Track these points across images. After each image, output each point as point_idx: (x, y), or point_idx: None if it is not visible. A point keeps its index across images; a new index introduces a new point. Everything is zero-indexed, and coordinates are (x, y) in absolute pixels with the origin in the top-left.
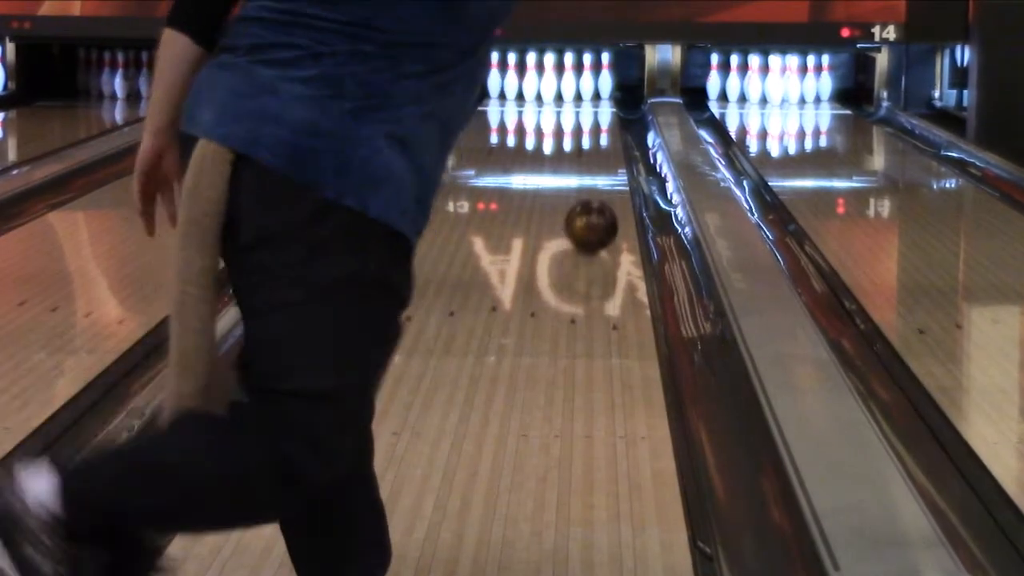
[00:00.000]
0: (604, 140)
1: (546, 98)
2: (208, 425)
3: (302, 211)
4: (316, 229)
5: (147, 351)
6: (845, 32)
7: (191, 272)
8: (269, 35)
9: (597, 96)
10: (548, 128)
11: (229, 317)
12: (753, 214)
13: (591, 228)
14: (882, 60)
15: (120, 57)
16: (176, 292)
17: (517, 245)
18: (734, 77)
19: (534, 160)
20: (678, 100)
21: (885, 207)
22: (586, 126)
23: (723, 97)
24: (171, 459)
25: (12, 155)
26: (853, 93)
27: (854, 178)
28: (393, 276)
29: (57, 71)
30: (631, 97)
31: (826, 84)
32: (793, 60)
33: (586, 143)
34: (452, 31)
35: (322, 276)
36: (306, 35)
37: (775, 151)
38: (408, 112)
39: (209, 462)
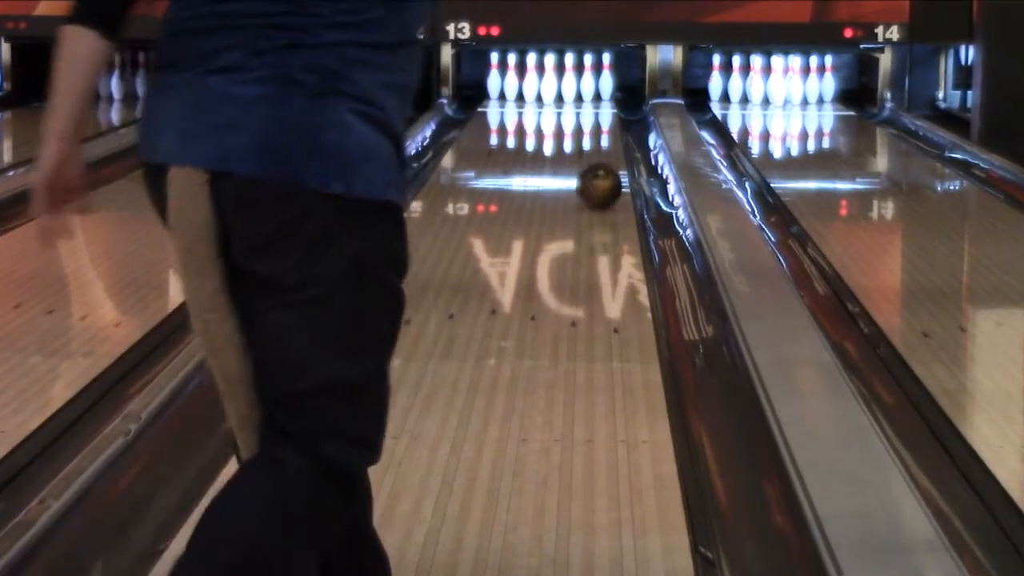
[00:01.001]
0: (605, 141)
1: (546, 99)
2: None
3: (292, 210)
4: (310, 223)
5: (144, 354)
6: (848, 32)
7: (204, 297)
8: (208, 44)
9: (598, 97)
10: (548, 129)
11: None
12: (755, 216)
13: (601, 189)
14: (885, 61)
15: (116, 57)
16: (198, 323)
17: (517, 247)
18: (736, 78)
19: (534, 161)
20: (680, 101)
21: (888, 209)
22: (587, 127)
23: (725, 98)
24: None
25: (7, 156)
26: (856, 94)
27: (857, 180)
28: (392, 246)
29: (53, 72)
30: (632, 98)
31: (829, 85)
32: (796, 61)
33: (587, 144)
34: (389, 5)
35: (327, 269)
36: (244, 35)
37: (777, 152)
38: (367, 86)
39: (265, 517)
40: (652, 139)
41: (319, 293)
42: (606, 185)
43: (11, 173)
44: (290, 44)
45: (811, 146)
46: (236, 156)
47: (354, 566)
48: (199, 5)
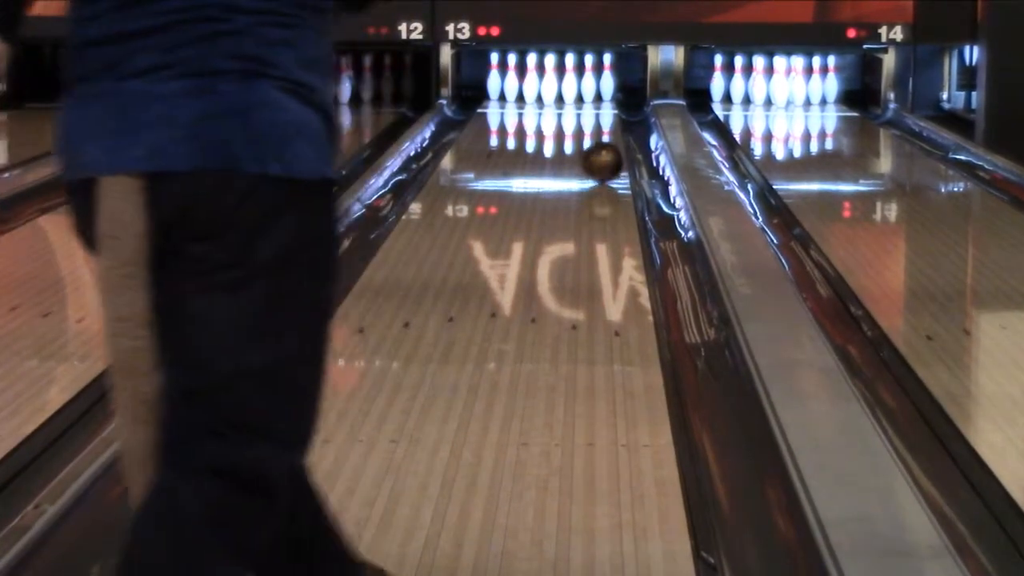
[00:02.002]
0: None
1: (547, 100)
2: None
3: (232, 196)
4: (250, 208)
5: None
6: (851, 33)
7: (137, 312)
8: (119, 50)
9: (599, 98)
10: (549, 131)
11: None
12: (757, 218)
13: (604, 164)
14: (889, 61)
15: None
16: (126, 341)
17: (517, 249)
18: (738, 78)
19: (535, 163)
20: (681, 102)
21: (892, 211)
22: (587, 128)
23: (727, 99)
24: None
25: (3, 158)
26: (859, 95)
27: (860, 181)
28: (327, 222)
29: (48, 72)
30: (633, 99)
31: (832, 86)
32: (798, 61)
33: (587, 146)
34: None
35: (264, 250)
36: (156, 35)
37: (780, 154)
38: (290, 65)
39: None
40: (653, 140)
41: (250, 274)
42: (608, 159)
43: (6, 175)
44: (205, 35)
45: (814, 147)
46: (170, 153)
47: (300, 570)
48: (105, 13)
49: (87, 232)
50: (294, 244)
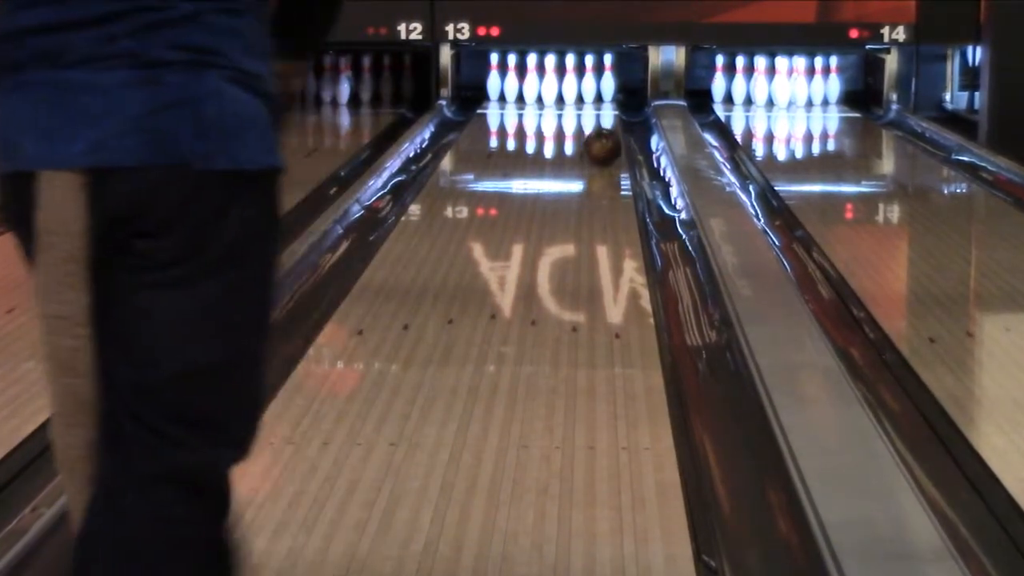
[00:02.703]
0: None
1: (547, 101)
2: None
3: (181, 192)
4: (200, 203)
5: None
6: (853, 33)
7: (76, 311)
8: (57, 37)
9: (599, 99)
10: (549, 131)
11: None
12: (759, 219)
13: (605, 150)
14: (891, 62)
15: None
16: (67, 340)
17: (517, 251)
18: (740, 79)
19: (535, 164)
20: (682, 103)
21: (894, 212)
22: (588, 129)
23: (728, 99)
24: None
25: None
26: (862, 95)
27: (863, 183)
28: (274, 213)
29: None
30: (634, 100)
31: (834, 86)
32: (800, 62)
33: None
34: None
35: (213, 245)
36: (96, 24)
37: (781, 155)
38: (234, 53)
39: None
40: (654, 141)
41: (199, 270)
42: (607, 145)
43: None
44: (149, 24)
45: (815, 148)
46: (114, 147)
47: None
48: (44, 1)
49: (22, 229)
50: (243, 238)
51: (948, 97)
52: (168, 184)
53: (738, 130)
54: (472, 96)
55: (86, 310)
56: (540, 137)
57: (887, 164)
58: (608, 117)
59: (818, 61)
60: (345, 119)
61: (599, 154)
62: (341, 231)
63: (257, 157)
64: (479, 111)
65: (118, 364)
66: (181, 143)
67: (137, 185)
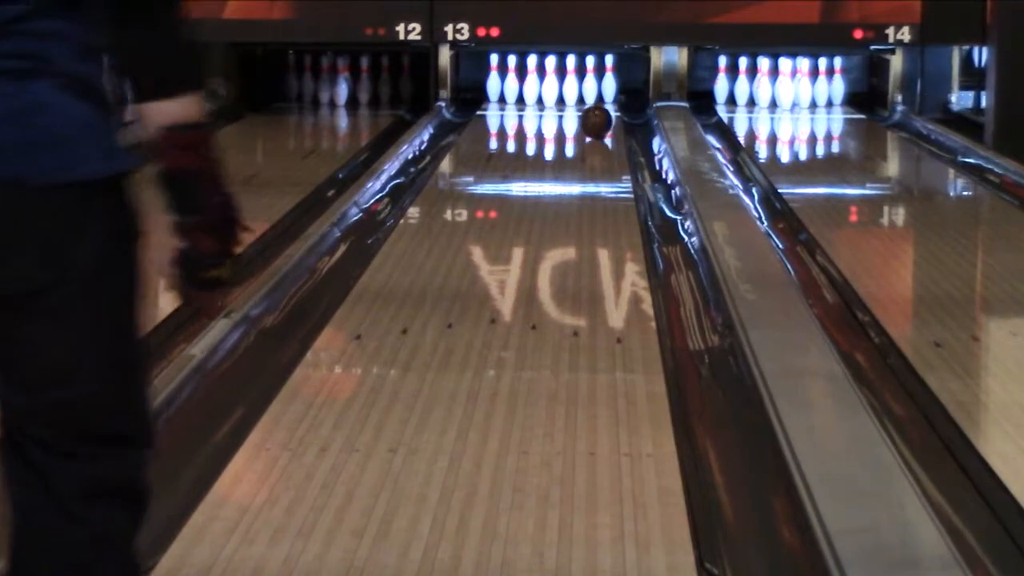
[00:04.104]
0: (608, 145)
1: (547, 102)
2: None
3: (20, 212)
4: (45, 222)
5: None
6: (858, 33)
7: None
8: None
9: (600, 100)
10: (549, 133)
11: (217, 330)
12: (762, 222)
13: (600, 122)
14: (896, 62)
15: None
16: None
17: (517, 255)
18: (743, 80)
19: (535, 166)
20: (684, 104)
21: (900, 215)
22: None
23: (731, 101)
24: None
25: None
26: (866, 97)
27: (867, 185)
28: (125, 217)
29: None
30: (636, 101)
31: (838, 87)
32: (804, 63)
33: (588, 148)
34: None
35: (74, 264)
36: None
37: (785, 157)
38: (64, 58)
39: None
40: (656, 143)
41: (70, 291)
42: (599, 119)
43: None
44: None
45: (820, 150)
46: None
47: None
48: None
49: None
50: (105, 248)
51: (954, 98)
52: (5, 204)
53: (741, 132)
54: (471, 97)
55: None
56: (540, 139)
57: (892, 166)
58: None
59: (822, 62)
60: (343, 121)
61: (592, 127)
62: (339, 234)
63: (96, 167)
64: (478, 113)
65: (12, 395)
66: (16, 158)
67: None
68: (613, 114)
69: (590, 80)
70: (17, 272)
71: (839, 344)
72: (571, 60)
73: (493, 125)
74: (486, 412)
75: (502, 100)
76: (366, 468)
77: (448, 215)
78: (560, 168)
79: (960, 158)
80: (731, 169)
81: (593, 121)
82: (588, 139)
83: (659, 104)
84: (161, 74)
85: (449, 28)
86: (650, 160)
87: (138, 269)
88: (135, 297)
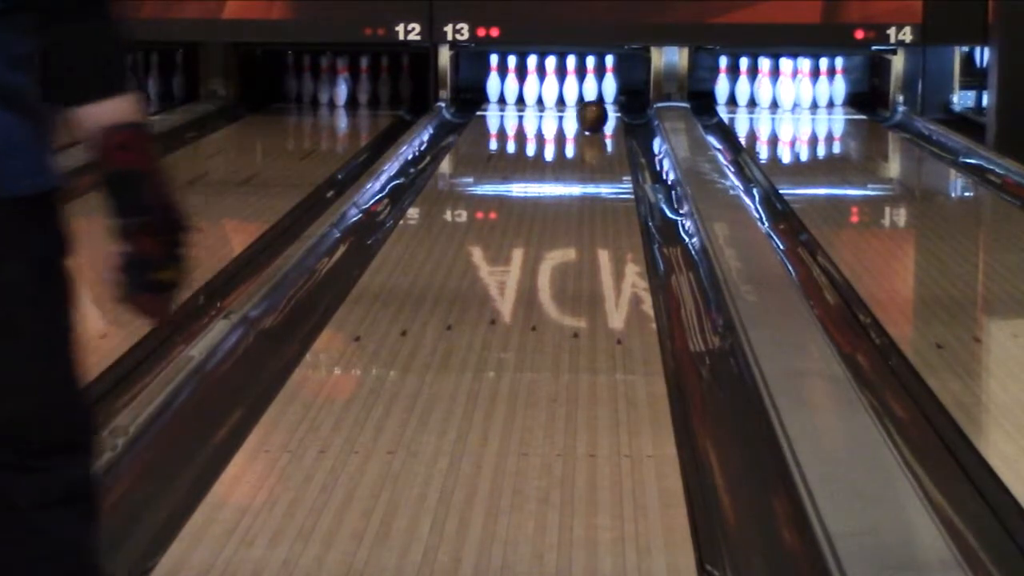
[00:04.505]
0: (608, 146)
1: (548, 103)
2: None
3: None
4: None
5: (131, 367)
6: (859, 34)
7: None
8: None
9: (601, 100)
10: (550, 134)
11: (216, 331)
12: (763, 223)
13: (596, 116)
14: (898, 63)
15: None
16: None
17: (517, 256)
18: (743, 81)
19: (535, 167)
20: (685, 105)
21: (901, 216)
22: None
23: (732, 101)
24: None
25: None
26: (867, 97)
27: (869, 186)
28: (58, 230)
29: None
30: (636, 102)
31: (839, 88)
32: (805, 63)
33: (589, 149)
34: None
35: (4, 284)
36: None
37: (786, 158)
38: None
39: None
40: (657, 144)
41: (3, 315)
42: (594, 114)
43: None
44: None
45: (821, 151)
46: None
47: None
48: None
49: None
50: (37, 266)
51: (955, 99)
52: None
53: (742, 132)
54: (471, 98)
55: None
56: (540, 140)
57: (893, 167)
58: (609, 119)
59: (823, 62)
60: (342, 121)
61: (588, 121)
62: (338, 235)
63: (24, 183)
64: (478, 113)
65: None
66: None
67: None
68: (614, 115)
69: (590, 81)
70: None
71: (840, 345)
72: (571, 60)
73: (493, 126)
74: (486, 413)
75: (502, 100)
76: (365, 470)
77: (448, 216)
78: (560, 169)
79: (961, 159)
80: (732, 170)
81: (588, 116)
82: (587, 132)
83: (660, 105)
84: (97, 75)
85: (449, 28)
86: (651, 161)
87: (70, 284)
88: (68, 311)
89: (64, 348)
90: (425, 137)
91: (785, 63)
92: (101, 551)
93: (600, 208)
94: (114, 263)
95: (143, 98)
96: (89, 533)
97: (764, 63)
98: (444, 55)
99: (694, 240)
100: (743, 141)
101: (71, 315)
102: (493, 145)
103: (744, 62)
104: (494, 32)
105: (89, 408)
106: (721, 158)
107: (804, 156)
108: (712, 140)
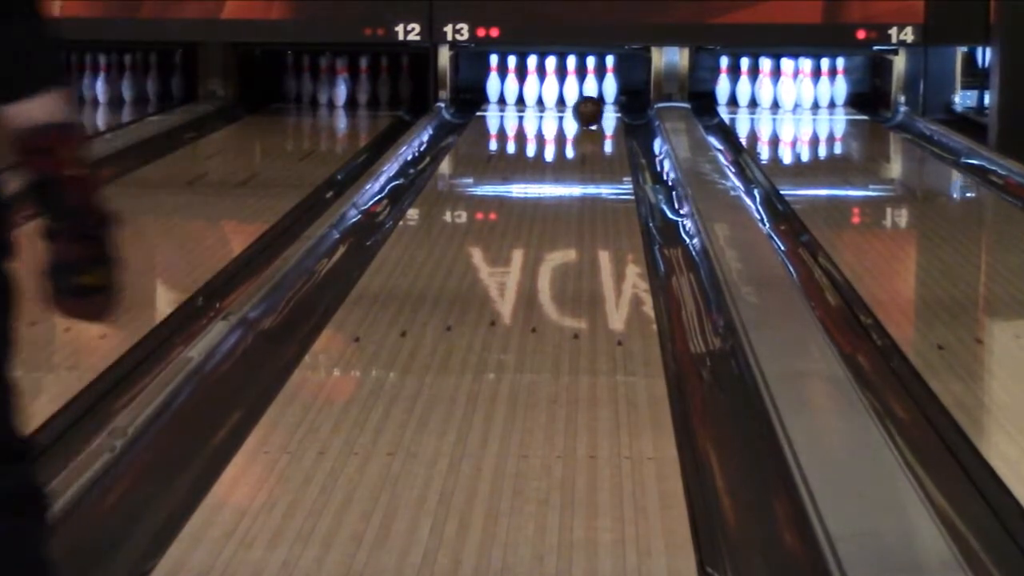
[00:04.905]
0: (608, 147)
1: (548, 103)
2: None
3: None
4: None
5: (130, 368)
6: (861, 34)
7: None
8: None
9: (601, 100)
10: (550, 135)
11: (215, 332)
12: (764, 224)
13: (591, 112)
14: (899, 63)
15: (102, 60)
16: None
17: (517, 257)
18: (744, 81)
19: (535, 168)
20: (686, 105)
21: (902, 217)
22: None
23: (733, 102)
24: None
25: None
26: (869, 98)
27: (870, 187)
28: (3, 239)
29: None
30: (637, 102)
31: (841, 88)
32: (806, 63)
33: (589, 150)
34: None
35: None
36: None
37: (787, 158)
38: None
39: None
40: (657, 144)
41: None
42: (591, 108)
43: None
44: None
45: (822, 152)
46: None
47: None
48: None
49: None
50: None
51: (957, 99)
52: None
53: (743, 133)
54: (471, 98)
55: None
56: (541, 140)
57: (895, 168)
58: (610, 119)
59: (824, 63)
60: (342, 122)
61: (584, 116)
62: (337, 236)
63: None
64: (478, 114)
65: None
66: None
67: None
68: (614, 115)
69: (591, 81)
70: None
71: (841, 346)
72: (571, 61)
73: (493, 126)
74: (486, 415)
75: (502, 101)
76: (365, 471)
77: (448, 217)
78: (560, 169)
79: (963, 159)
80: (733, 170)
81: (583, 111)
82: (587, 127)
83: (660, 105)
84: (21, 72)
85: (448, 28)
86: (651, 161)
87: (11, 290)
88: (6, 317)
89: (3, 356)
90: (425, 138)
91: (786, 63)
92: (52, 560)
93: (600, 209)
94: (40, 267)
95: (75, 97)
96: (39, 538)
97: (765, 63)
98: (444, 55)
99: (695, 241)
100: (744, 142)
101: (9, 322)
102: (493, 146)
103: (745, 62)
104: (494, 32)
105: (17, 413)
106: (722, 159)
107: (805, 157)
108: (713, 140)
